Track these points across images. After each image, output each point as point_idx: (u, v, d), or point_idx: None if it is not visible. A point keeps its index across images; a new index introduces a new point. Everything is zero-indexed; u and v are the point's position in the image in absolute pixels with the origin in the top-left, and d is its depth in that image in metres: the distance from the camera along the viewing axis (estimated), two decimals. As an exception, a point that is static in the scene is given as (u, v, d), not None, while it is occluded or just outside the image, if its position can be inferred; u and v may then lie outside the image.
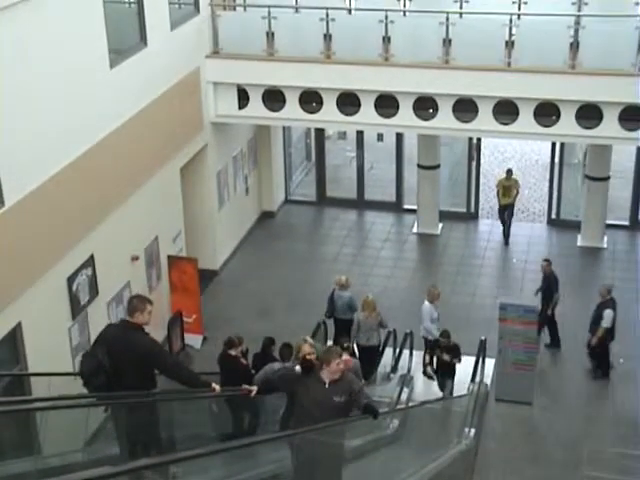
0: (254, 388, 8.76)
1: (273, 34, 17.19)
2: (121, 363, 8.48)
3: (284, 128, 21.82)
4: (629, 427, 14.36)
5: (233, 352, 12.50)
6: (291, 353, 12.83)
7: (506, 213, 20.34)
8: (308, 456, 7.64)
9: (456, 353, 14.71)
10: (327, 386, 8.07)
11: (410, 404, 13.11)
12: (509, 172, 20.47)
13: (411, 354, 15.80)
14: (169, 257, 16.38)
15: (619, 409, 14.81)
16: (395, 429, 10.79)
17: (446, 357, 14.62)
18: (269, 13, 16.95)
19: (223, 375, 12.01)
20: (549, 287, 16.35)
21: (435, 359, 15.03)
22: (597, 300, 17.66)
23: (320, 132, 22.31)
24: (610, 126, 16.32)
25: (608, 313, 15.27)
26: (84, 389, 8.65)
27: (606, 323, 15.25)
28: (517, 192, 20.51)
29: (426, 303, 15.34)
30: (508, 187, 20.28)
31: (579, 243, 20.22)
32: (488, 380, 15.30)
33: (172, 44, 15.94)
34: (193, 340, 16.45)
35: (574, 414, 14.72)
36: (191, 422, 9.71)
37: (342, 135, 22.82)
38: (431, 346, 15.15)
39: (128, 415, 8.63)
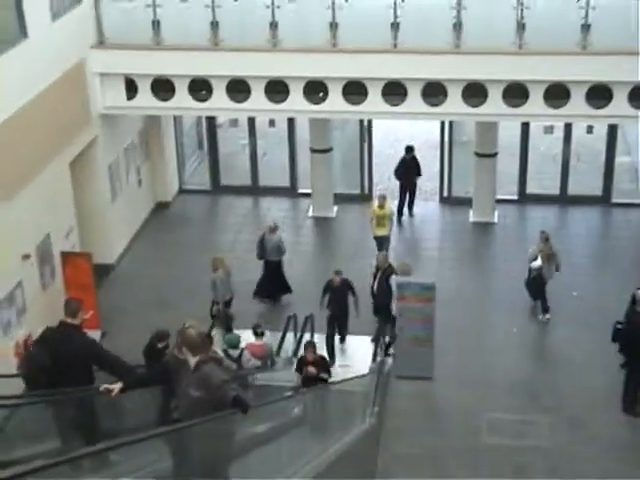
0: (116, 386, 7.76)
1: (159, 22, 16.99)
2: (63, 362, 8.83)
3: (175, 118, 21.62)
4: (524, 394, 14.82)
5: (160, 345, 12.36)
6: (212, 342, 12.84)
7: (382, 246, 18.37)
8: (183, 453, 6.95)
9: (324, 366, 13.85)
10: (190, 375, 7.19)
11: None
12: (382, 198, 18.65)
13: (312, 337, 15.87)
14: (62, 253, 16.08)
15: (514, 378, 15.26)
16: (298, 413, 10.88)
17: (311, 370, 13.54)
18: (154, 1, 16.76)
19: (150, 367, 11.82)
20: (343, 299, 15.87)
21: (301, 375, 13.75)
22: (489, 274, 18.27)
23: (211, 120, 22.18)
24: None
25: (394, 279, 15.79)
26: None
27: (395, 290, 15.67)
28: (392, 223, 18.97)
29: None
30: (382, 217, 18.51)
31: (471, 219, 20.70)
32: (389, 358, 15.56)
33: (54, 35, 15.58)
34: (91, 336, 16.16)
35: (473, 386, 15.08)
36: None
37: (234, 122, 22.73)
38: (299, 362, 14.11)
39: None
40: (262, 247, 17.41)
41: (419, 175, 21.14)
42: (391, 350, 15.71)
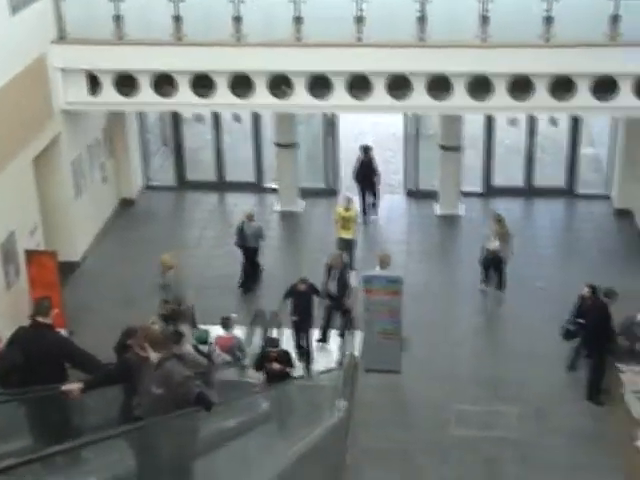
0: (76, 386, 7.65)
1: (121, 17, 16.85)
2: (36, 361, 8.89)
3: (139, 114, 21.46)
4: (492, 385, 14.92)
5: (130, 342, 12.26)
6: (180, 340, 12.74)
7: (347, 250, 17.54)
8: (146, 451, 6.78)
9: (287, 361, 13.70)
10: (152, 372, 7.11)
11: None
12: (348, 200, 18.14)
13: (279, 332, 15.82)
14: (27, 251, 15.91)
15: (481, 370, 15.36)
16: (266, 409, 10.85)
17: (276, 366, 13.39)
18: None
19: None
20: (307, 305, 15.51)
21: (264, 370, 13.57)
22: (456, 267, 18.36)
23: (176, 116, 22.03)
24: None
25: (354, 275, 15.96)
26: None
27: (355, 283, 15.81)
28: (357, 225, 18.37)
29: None
30: (348, 219, 17.90)
31: (437, 212, 20.77)
32: (357, 352, 15.56)
33: (14, 29, 15.37)
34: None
35: (441, 379, 15.14)
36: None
37: (198, 118, 22.58)
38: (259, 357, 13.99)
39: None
40: (241, 235, 17.71)
41: (376, 175, 20.55)
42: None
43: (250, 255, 17.88)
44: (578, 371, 14.98)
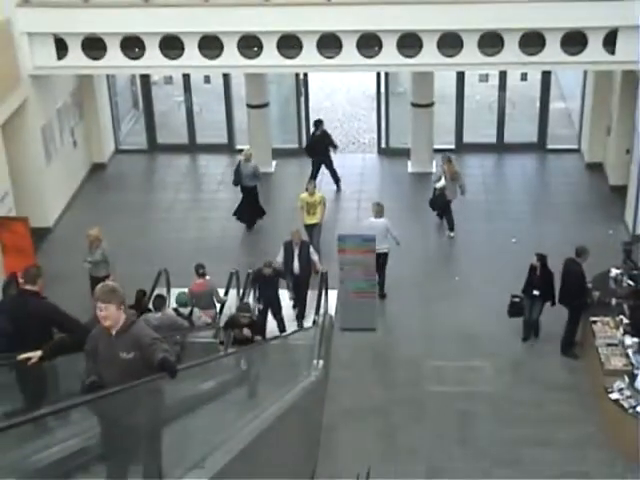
0: (36, 354, 7.41)
1: (86, -21, 16.64)
2: (25, 329, 8.81)
3: (108, 76, 21.24)
4: (467, 341, 15.05)
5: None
6: (163, 303, 13.04)
7: (312, 235, 17.23)
8: (112, 421, 6.48)
9: (259, 329, 13.34)
10: (114, 338, 6.76)
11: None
12: (312, 185, 17.54)
13: (255, 294, 15.85)
14: (-2, 218, 15.83)
15: (455, 325, 15.46)
16: (242, 370, 10.91)
17: (246, 332, 12.86)
18: (80, -43, 16.40)
19: None
20: (274, 292, 15.32)
21: (233, 336, 13.05)
22: (430, 225, 18.40)
23: (145, 78, 21.84)
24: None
25: (313, 251, 15.81)
26: None
27: (315, 257, 15.73)
28: (324, 210, 17.45)
29: None
30: (312, 205, 17.24)
31: (409, 169, 20.79)
32: (332, 311, 15.64)
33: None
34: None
35: (415, 335, 15.27)
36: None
37: (168, 80, 22.42)
38: (229, 323, 13.48)
39: None
40: (238, 174, 18.36)
41: (335, 148, 20.17)
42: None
43: (248, 194, 18.47)
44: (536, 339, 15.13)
